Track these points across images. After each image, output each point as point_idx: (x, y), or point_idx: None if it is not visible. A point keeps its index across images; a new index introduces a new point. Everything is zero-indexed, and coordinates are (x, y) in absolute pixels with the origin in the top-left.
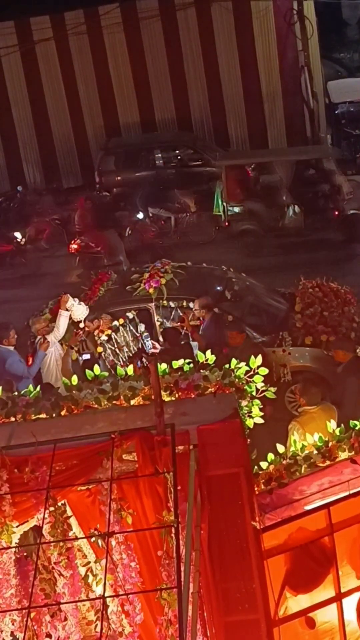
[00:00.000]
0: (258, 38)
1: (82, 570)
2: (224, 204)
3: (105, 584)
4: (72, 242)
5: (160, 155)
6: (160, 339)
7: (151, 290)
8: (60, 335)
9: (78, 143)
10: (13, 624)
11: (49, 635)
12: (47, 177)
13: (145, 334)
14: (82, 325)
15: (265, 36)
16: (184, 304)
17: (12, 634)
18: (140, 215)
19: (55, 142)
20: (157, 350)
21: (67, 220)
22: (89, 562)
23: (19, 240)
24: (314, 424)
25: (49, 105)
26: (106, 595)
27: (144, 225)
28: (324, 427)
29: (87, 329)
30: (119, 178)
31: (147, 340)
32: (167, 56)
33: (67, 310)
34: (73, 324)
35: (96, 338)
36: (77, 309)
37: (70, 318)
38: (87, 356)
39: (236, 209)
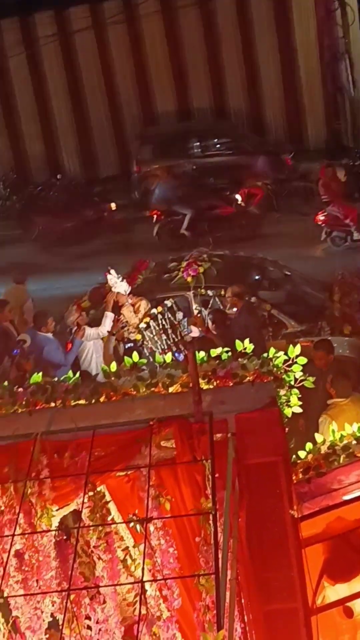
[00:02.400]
0: (298, 25)
1: (121, 555)
2: None
3: (143, 568)
4: (319, 213)
5: (197, 144)
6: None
7: (189, 279)
8: (104, 333)
9: (116, 131)
10: (53, 606)
11: (88, 617)
12: (85, 165)
13: (184, 320)
14: (128, 301)
15: (305, 23)
16: (222, 292)
17: (52, 615)
18: None
19: (93, 131)
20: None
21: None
22: (127, 547)
23: (239, 202)
24: (344, 416)
25: (87, 94)
26: (144, 580)
27: None
28: (355, 419)
29: (130, 302)
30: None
31: (187, 328)
32: (205, 45)
33: (111, 312)
34: (113, 310)
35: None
36: (120, 285)
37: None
38: (129, 345)
39: None
